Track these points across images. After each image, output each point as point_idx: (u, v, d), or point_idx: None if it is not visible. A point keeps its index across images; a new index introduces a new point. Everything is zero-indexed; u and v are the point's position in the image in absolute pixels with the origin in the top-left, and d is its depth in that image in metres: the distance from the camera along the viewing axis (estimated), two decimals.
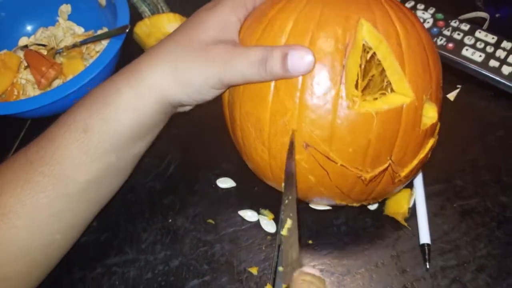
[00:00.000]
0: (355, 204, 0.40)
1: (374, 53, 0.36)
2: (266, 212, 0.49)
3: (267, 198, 0.50)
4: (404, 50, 0.35)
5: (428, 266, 0.44)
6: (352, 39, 0.34)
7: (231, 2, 0.40)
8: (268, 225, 0.49)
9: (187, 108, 0.45)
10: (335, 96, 0.34)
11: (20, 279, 0.40)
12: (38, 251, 0.40)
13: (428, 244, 0.45)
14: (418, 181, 0.49)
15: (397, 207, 0.47)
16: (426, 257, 0.44)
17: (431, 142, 0.38)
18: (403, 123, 0.36)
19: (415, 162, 0.37)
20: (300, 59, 0.34)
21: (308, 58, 0.34)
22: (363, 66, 0.36)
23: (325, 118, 0.35)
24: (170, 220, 0.50)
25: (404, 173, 0.36)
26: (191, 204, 0.51)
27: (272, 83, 0.36)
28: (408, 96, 0.36)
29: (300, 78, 0.35)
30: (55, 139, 0.39)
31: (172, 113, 0.44)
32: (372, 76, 0.37)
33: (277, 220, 0.49)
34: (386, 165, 0.35)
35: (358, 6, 0.36)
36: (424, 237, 0.45)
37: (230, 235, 0.49)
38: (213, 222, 0.50)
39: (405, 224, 0.47)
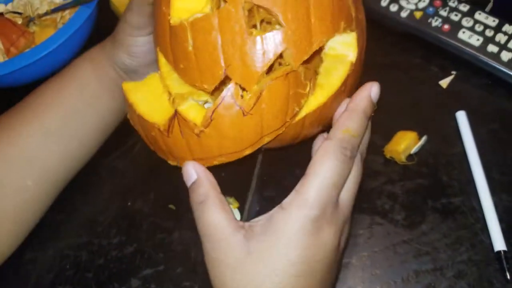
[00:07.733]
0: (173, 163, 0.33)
1: None
2: (231, 200, 0.46)
3: (234, 185, 0.46)
4: None
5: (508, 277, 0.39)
6: None
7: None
8: None
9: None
10: None
11: None
12: None
13: (504, 251, 0.40)
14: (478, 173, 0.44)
15: (394, 144, 0.46)
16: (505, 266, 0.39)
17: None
18: None
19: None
20: None
21: None
22: None
23: None
24: (129, 203, 0.47)
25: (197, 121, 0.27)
26: (153, 187, 0.48)
27: None
28: None
29: None
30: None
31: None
32: None
33: (241, 209, 0.45)
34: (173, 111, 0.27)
35: None
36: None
37: (191, 223, 0.44)
38: (174, 208, 0.46)
39: (405, 161, 0.46)
